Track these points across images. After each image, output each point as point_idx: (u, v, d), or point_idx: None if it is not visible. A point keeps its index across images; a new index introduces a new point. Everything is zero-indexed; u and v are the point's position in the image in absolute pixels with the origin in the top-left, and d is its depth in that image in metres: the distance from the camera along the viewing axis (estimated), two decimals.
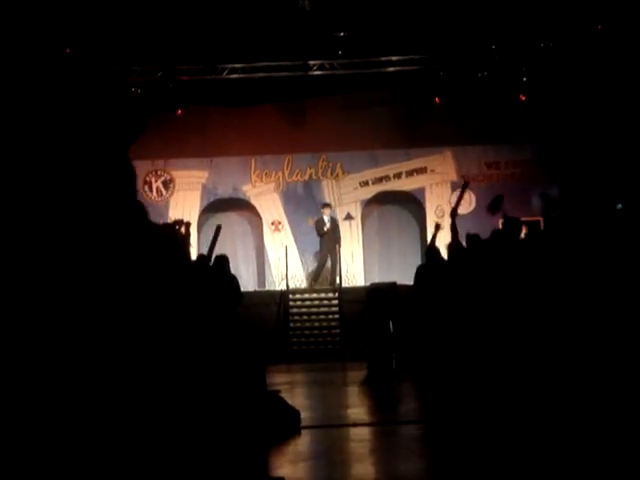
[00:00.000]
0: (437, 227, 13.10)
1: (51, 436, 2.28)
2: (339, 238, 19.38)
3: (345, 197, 20.84)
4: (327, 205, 19.63)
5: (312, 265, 20.38)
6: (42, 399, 2.29)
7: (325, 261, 19.32)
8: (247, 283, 19.44)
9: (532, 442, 6.59)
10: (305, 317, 18.85)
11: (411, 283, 13.52)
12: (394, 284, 16.49)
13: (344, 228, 20.55)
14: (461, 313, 9.34)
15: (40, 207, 2.40)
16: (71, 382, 2.31)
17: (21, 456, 2.27)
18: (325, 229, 19.13)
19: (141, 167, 19.60)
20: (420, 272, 12.99)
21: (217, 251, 13.95)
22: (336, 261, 19.23)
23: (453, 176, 20.88)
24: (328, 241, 19.14)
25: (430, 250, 12.74)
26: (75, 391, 2.31)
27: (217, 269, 11.79)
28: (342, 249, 19.72)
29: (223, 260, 12.13)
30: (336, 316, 18.71)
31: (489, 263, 8.71)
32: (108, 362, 2.32)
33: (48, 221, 2.36)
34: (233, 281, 12.32)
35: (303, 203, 20.83)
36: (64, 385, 2.30)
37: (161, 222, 13.62)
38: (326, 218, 19.23)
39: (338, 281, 19.29)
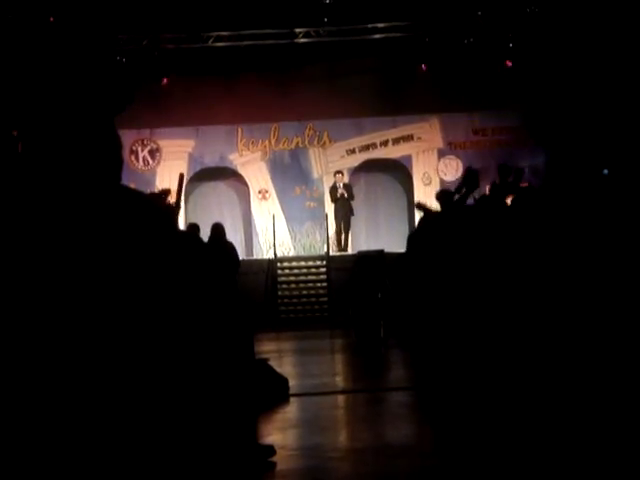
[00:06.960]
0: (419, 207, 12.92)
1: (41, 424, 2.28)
2: (350, 204, 19.45)
3: (332, 165, 20.79)
4: (339, 172, 19.72)
5: (299, 233, 20.48)
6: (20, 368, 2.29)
7: (340, 227, 19.49)
8: None
9: (521, 410, 6.63)
10: (293, 285, 18.92)
11: (399, 251, 13.46)
12: (382, 252, 16.51)
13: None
14: (451, 281, 9.35)
15: (23, 180, 2.39)
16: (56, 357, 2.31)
17: (20, 456, 2.28)
18: (338, 195, 19.32)
19: (127, 136, 19.50)
20: (412, 239, 12.90)
21: (207, 220, 14.02)
22: (348, 227, 19.47)
23: (440, 143, 20.89)
24: (342, 207, 19.31)
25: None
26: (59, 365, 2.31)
27: (214, 238, 11.88)
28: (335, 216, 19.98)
29: (220, 229, 12.22)
30: (324, 284, 18.78)
31: (476, 229, 8.71)
32: (101, 336, 2.32)
33: (31, 193, 2.36)
34: (230, 249, 12.41)
35: (290, 171, 20.82)
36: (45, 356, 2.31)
37: (148, 191, 13.63)
38: (339, 184, 19.39)
39: (325, 249, 19.35)
